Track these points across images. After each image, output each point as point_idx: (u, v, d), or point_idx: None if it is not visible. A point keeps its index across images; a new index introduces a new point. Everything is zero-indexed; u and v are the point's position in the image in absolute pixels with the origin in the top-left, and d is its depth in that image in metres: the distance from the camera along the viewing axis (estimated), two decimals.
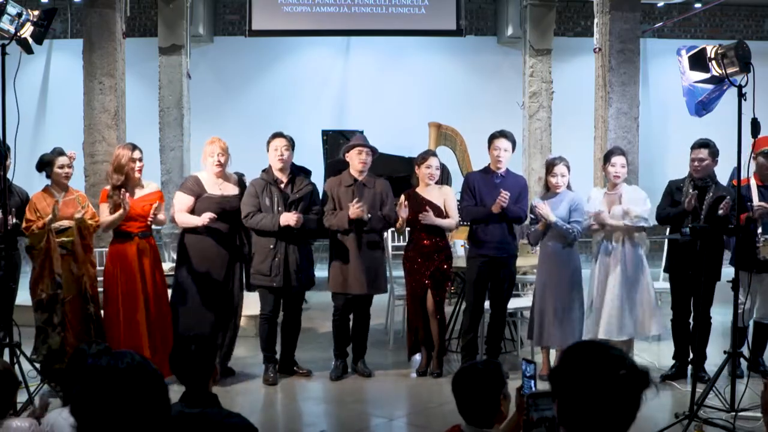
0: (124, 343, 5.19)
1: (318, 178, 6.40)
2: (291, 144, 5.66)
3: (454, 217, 5.78)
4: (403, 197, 5.78)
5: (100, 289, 5.49)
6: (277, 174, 5.62)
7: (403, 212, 5.62)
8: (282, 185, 5.61)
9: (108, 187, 5.39)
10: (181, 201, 5.54)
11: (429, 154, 5.93)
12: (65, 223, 5.23)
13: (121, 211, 5.22)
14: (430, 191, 5.81)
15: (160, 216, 5.44)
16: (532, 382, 2.46)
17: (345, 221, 5.56)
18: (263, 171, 5.72)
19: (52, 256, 5.17)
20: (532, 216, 5.62)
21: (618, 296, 5.56)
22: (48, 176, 5.42)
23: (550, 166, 5.70)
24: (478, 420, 2.54)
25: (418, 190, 5.83)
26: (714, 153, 5.53)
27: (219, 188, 5.59)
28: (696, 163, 5.52)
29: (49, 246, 5.15)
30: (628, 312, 5.57)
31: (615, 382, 1.75)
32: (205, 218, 5.35)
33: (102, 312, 5.43)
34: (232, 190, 5.64)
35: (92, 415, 1.71)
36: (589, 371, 1.77)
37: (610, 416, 1.76)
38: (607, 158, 5.75)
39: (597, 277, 5.68)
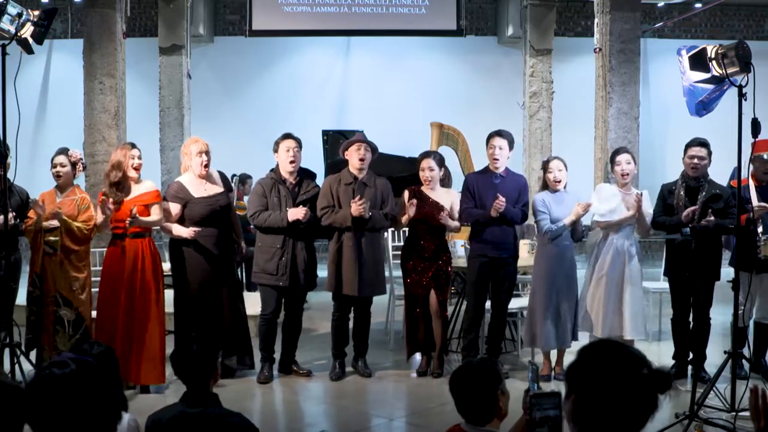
0: (120, 343, 5.19)
1: (319, 178, 6.41)
2: (300, 145, 5.67)
3: (456, 219, 5.78)
4: (406, 193, 5.76)
5: (95, 290, 5.49)
6: (286, 175, 5.63)
7: (412, 210, 5.60)
8: (290, 185, 5.62)
9: (104, 189, 5.36)
10: (169, 210, 5.50)
11: (423, 155, 5.92)
12: (53, 222, 5.22)
13: (101, 216, 5.19)
14: (437, 191, 5.79)
15: (152, 217, 5.36)
16: (535, 384, 2.47)
17: (348, 218, 5.53)
18: (271, 170, 5.72)
19: (35, 255, 5.23)
20: (543, 211, 5.55)
21: (613, 296, 5.57)
22: None
23: (546, 164, 5.71)
24: (476, 417, 2.55)
25: (423, 188, 5.82)
26: (710, 152, 5.54)
27: (204, 189, 5.56)
28: (696, 161, 5.51)
29: (35, 246, 5.22)
30: (621, 311, 5.57)
31: (635, 381, 1.75)
32: (191, 232, 5.37)
33: (94, 313, 5.41)
34: (217, 188, 5.61)
35: (44, 423, 1.82)
36: (609, 370, 1.77)
37: (625, 416, 1.76)
38: (612, 158, 5.77)
39: (594, 277, 5.67)
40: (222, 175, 5.83)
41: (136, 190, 5.38)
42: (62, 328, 5.24)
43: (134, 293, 5.25)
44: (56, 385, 1.81)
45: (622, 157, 5.65)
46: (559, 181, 5.58)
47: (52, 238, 5.22)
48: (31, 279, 5.26)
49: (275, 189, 5.59)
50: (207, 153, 5.52)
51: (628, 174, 5.64)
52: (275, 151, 5.67)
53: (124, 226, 5.24)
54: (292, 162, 5.59)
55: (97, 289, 5.45)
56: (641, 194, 5.52)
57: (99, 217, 5.24)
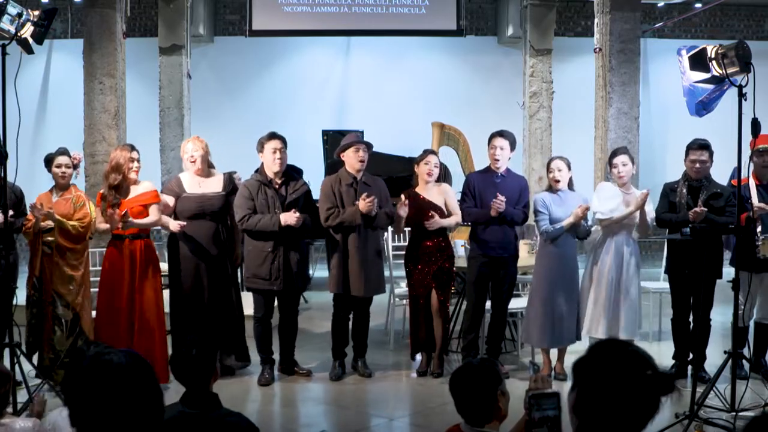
0: (123, 343, 5.19)
1: (318, 178, 6.40)
2: (285, 145, 5.64)
3: (456, 214, 5.77)
4: (403, 196, 5.77)
5: (94, 290, 5.49)
6: (272, 176, 5.59)
7: (402, 211, 5.60)
8: (276, 186, 5.60)
9: (103, 190, 5.38)
10: (164, 202, 5.54)
11: (428, 152, 5.94)
12: (49, 223, 5.22)
13: (108, 226, 5.23)
14: (429, 191, 5.80)
15: (149, 218, 5.37)
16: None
17: (357, 215, 5.50)
18: (255, 171, 5.69)
19: (34, 259, 5.24)
20: (543, 212, 5.55)
21: (612, 296, 5.57)
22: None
23: (548, 164, 5.74)
24: (476, 418, 2.55)
25: (417, 189, 5.82)
26: (712, 154, 5.56)
27: (199, 186, 5.58)
28: (698, 165, 5.53)
29: (35, 248, 5.24)
30: (619, 312, 5.58)
31: (640, 381, 1.79)
32: (176, 226, 5.40)
33: (94, 312, 5.42)
34: (215, 188, 5.62)
35: (88, 410, 1.74)
36: (616, 368, 1.81)
37: (626, 415, 1.79)
38: (610, 160, 5.80)
39: (594, 278, 5.67)
40: (230, 178, 5.81)
41: (135, 191, 5.40)
42: (60, 329, 5.25)
43: (134, 294, 5.28)
44: (112, 373, 1.72)
45: (619, 159, 5.69)
46: (558, 181, 5.58)
47: (49, 238, 5.26)
48: (32, 282, 5.27)
49: (261, 191, 5.53)
50: (196, 152, 5.55)
51: (624, 176, 5.66)
52: (259, 151, 5.63)
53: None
54: (279, 163, 5.54)
55: (95, 289, 5.47)
56: (647, 192, 5.53)
57: (103, 225, 5.27)
